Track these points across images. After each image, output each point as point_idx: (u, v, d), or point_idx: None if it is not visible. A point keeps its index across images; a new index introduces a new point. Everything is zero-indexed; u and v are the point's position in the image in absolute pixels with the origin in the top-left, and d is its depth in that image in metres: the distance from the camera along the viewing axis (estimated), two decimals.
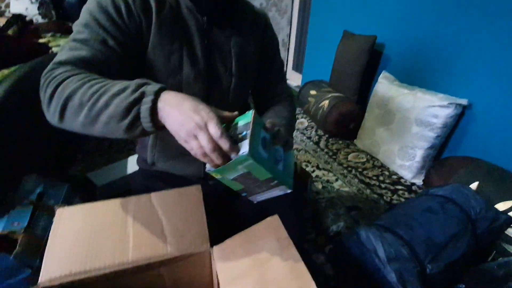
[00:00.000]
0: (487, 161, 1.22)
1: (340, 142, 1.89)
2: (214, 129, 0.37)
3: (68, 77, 0.46)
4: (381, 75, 1.67)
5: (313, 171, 1.55)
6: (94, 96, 0.43)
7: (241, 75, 0.67)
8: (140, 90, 0.41)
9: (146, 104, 0.40)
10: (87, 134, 0.48)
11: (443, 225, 0.86)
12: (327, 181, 1.47)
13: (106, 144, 1.66)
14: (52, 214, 0.77)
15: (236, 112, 0.45)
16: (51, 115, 0.47)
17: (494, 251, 1.02)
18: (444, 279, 0.80)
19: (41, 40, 1.65)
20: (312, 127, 2.09)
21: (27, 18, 1.81)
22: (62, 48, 0.52)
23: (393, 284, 0.70)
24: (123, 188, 1.14)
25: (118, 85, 0.43)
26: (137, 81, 0.44)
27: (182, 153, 0.70)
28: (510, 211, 1.00)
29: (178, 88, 0.61)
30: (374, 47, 1.72)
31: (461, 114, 1.33)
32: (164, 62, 0.58)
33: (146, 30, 0.56)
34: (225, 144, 0.38)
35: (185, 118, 0.38)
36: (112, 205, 0.63)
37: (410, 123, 1.41)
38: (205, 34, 0.61)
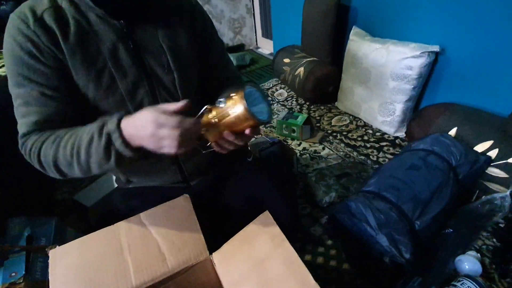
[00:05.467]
0: (464, 104, 1.25)
1: (322, 107, 1.88)
2: (164, 120, 0.44)
3: (41, 147, 0.51)
4: (351, 32, 1.62)
5: (300, 144, 1.56)
6: (73, 153, 0.49)
7: (181, 68, 0.61)
8: (104, 132, 0.47)
9: (117, 141, 0.46)
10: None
11: (427, 180, 0.90)
12: (315, 151, 1.49)
13: None
14: (46, 255, 0.76)
15: (182, 102, 0.47)
16: (53, 175, 0.55)
17: (477, 191, 1.09)
18: (432, 230, 0.85)
19: None
20: (292, 97, 2.06)
21: None
22: (16, 114, 0.54)
23: (385, 247, 0.74)
24: (112, 207, 1.13)
25: (84, 136, 0.49)
26: (97, 125, 0.48)
27: (152, 163, 0.68)
28: (489, 151, 1.05)
29: (121, 102, 0.58)
30: (341, 1, 1.63)
31: (435, 62, 1.33)
32: (95, 85, 0.54)
33: (64, 59, 0.52)
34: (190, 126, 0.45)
35: (153, 143, 0.45)
36: (104, 234, 0.63)
37: (386, 78, 1.40)
38: (128, 38, 0.55)
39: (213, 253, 0.62)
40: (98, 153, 0.48)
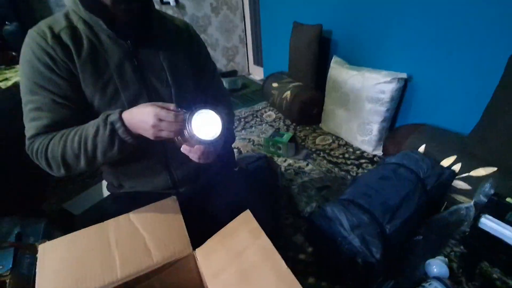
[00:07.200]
0: (432, 124, 1.38)
1: (307, 128, 2.00)
2: (165, 115, 0.52)
3: (48, 144, 0.58)
4: (332, 60, 1.79)
5: (285, 160, 1.64)
6: (81, 145, 0.56)
7: (178, 84, 0.71)
8: (108, 122, 0.55)
9: (120, 129, 0.55)
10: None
11: (396, 188, 0.98)
12: (299, 167, 1.57)
13: None
14: (34, 252, 0.78)
15: (172, 105, 0.55)
16: (57, 172, 0.61)
17: (446, 202, 1.17)
18: (402, 235, 0.92)
19: None
20: (280, 118, 2.18)
21: None
22: (25, 118, 0.61)
23: (357, 247, 0.80)
24: (102, 212, 1.15)
25: (90, 128, 0.56)
26: (101, 118, 0.56)
27: (145, 168, 0.74)
28: (453, 165, 1.15)
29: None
30: (322, 34, 1.82)
31: (405, 87, 1.48)
32: (101, 95, 0.62)
33: (76, 72, 0.60)
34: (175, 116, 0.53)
35: (146, 127, 0.53)
36: (93, 231, 0.66)
37: (362, 101, 1.54)
38: (133, 56, 0.64)
39: (196, 249, 0.66)
40: (104, 141, 0.55)
